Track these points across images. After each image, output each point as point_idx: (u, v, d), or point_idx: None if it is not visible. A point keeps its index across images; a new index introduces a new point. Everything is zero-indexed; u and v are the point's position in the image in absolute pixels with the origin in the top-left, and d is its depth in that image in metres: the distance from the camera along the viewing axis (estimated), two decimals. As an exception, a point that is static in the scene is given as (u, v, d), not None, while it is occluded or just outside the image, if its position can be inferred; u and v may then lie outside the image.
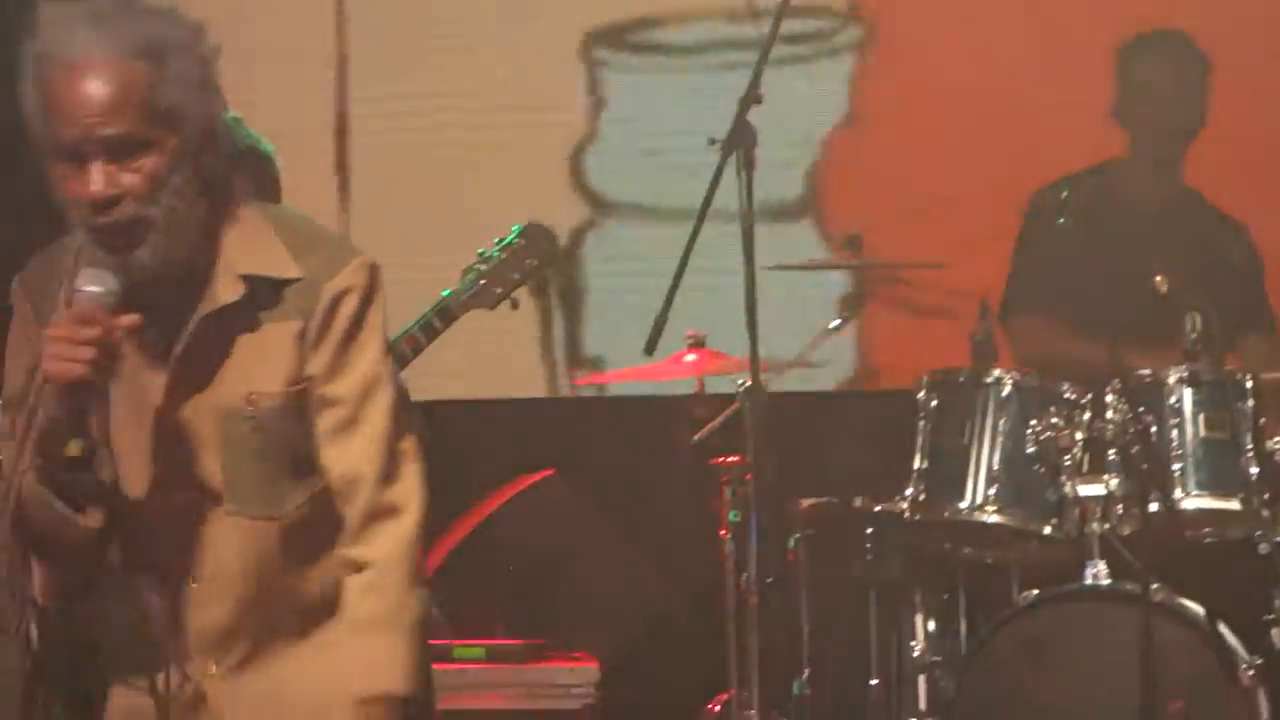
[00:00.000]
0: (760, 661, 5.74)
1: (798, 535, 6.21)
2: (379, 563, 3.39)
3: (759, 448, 5.70)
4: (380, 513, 3.42)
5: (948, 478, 5.69)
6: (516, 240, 5.39)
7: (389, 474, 3.40)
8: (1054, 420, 5.52)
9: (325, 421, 3.40)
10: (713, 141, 5.40)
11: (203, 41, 3.33)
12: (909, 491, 5.71)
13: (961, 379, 5.77)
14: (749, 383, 5.52)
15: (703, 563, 6.63)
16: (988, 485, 5.59)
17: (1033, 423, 5.56)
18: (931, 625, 5.99)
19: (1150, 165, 6.54)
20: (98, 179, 3.14)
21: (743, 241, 5.26)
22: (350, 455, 3.42)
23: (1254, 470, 5.52)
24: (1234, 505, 5.50)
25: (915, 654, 5.94)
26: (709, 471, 6.31)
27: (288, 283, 3.37)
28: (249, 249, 3.36)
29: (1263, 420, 5.66)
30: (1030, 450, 5.56)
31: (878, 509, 6.02)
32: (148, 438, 3.36)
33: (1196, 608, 5.33)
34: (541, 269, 5.65)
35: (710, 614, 6.57)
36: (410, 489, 3.43)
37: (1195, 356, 5.61)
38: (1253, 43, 7.20)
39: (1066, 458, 5.49)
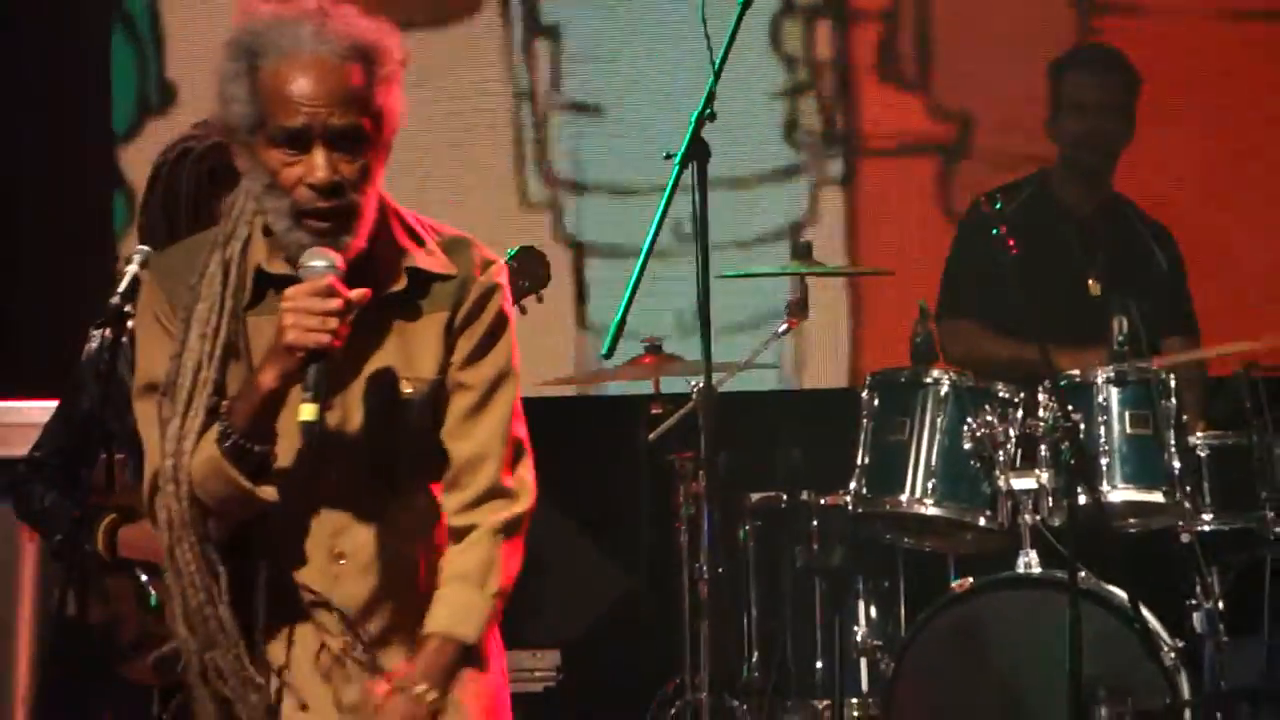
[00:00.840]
0: (711, 646, 5.77)
1: (747, 527, 6.34)
2: (486, 530, 3.48)
3: (711, 445, 5.58)
4: (496, 494, 3.50)
5: (889, 472, 5.78)
6: (510, 263, 5.38)
7: (509, 460, 3.50)
8: (989, 418, 5.62)
9: (457, 403, 3.50)
10: (668, 156, 5.57)
11: (401, 48, 3.44)
12: (852, 485, 5.80)
13: (902, 379, 5.89)
14: (702, 384, 5.51)
15: (658, 553, 6.75)
16: (926, 479, 5.68)
17: (969, 420, 5.65)
18: (873, 611, 6.09)
19: (1080, 175, 6.59)
20: (323, 165, 3.24)
21: (697, 251, 5.37)
22: (478, 437, 3.50)
23: (1176, 464, 5.65)
24: (1157, 497, 5.65)
25: (857, 638, 6.05)
26: (665, 468, 6.45)
27: (443, 278, 3.46)
28: (411, 243, 3.47)
29: (1185, 417, 5.78)
30: (966, 446, 5.65)
31: (823, 502, 6.12)
32: (310, 420, 3.41)
33: (1121, 593, 5.46)
34: (533, 291, 5.68)
35: (665, 602, 6.65)
36: (525, 481, 3.52)
37: (1122, 357, 5.75)
38: (1178, 61, 7.14)
39: (1000, 453, 5.59)
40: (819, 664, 6.22)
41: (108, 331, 4.34)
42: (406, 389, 3.42)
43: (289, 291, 3.27)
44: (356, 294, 3.25)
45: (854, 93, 7.79)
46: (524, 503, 3.49)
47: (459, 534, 3.50)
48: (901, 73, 7.79)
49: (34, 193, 7.63)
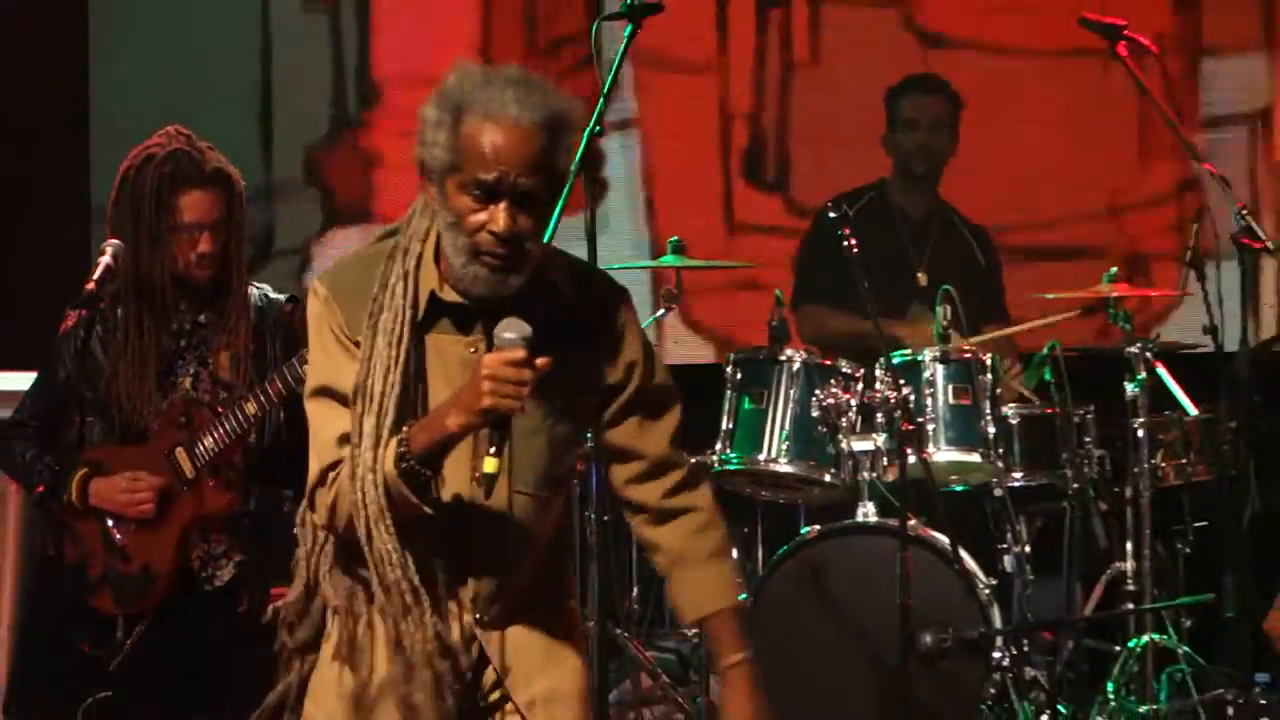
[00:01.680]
0: (599, 583, 5.84)
1: None
2: (707, 509, 3.59)
3: None
4: (698, 477, 3.60)
5: (749, 436, 5.84)
6: None
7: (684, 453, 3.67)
8: (834, 390, 5.71)
9: (637, 411, 3.58)
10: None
11: (580, 117, 3.51)
12: (718, 446, 5.89)
13: (761, 356, 5.93)
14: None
15: None
16: (780, 441, 5.79)
17: (817, 392, 5.73)
18: (734, 553, 6.04)
19: (911, 183, 6.66)
20: (505, 219, 3.27)
21: (587, 245, 5.50)
22: (662, 439, 3.57)
23: (991, 430, 5.78)
24: (975, 458, 5.80)
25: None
26: None
27: (582, 307, 3.52)
28: (551, 277, 3.50)
29: (999, 390, 5.88)
30: (814, 414, 5.73)
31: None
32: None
33: (944, 539, 5.58)
34: None
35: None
36: (697, 469, 3.67)
37: (946, 339, 5.85)
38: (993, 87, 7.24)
39: (843, 420, 5.68)
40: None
41: (83, 312, 4.38)
42: (556, 403, 3.53)
43: (487, 359, 3.31)
44: (542, 363, 3.27)
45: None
46: (708, 484, 3.61)
47: (669, 514, 3.60)
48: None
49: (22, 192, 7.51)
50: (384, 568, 3.38)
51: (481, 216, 3.28)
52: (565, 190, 3.50)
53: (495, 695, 3.55)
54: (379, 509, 3.36)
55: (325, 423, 3.46)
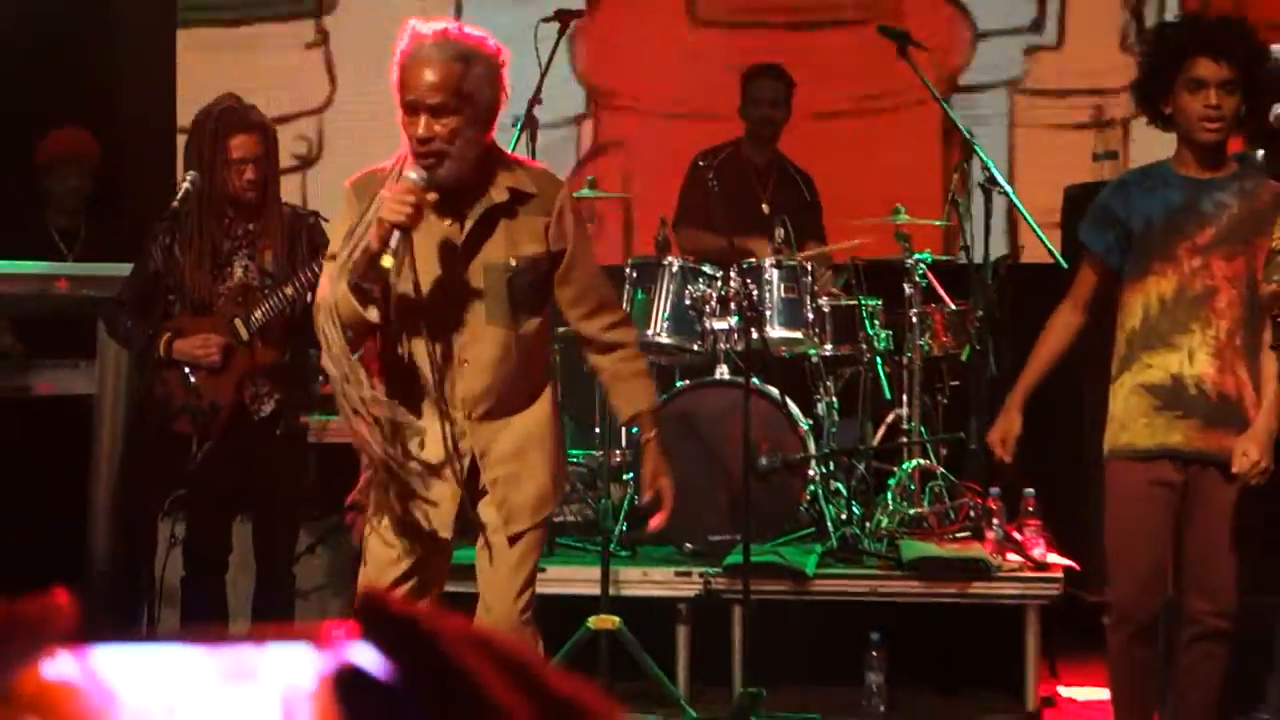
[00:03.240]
0: None
1: (558, 346, 6.11)
2: (633, 344, 4.07)
3: None
4: (626, 322, 4.11)
5: (642, 316, 6.04)
6: None
7: (614, 298, 4.05)
8: (701, 286, 5.99)
9: (574, 269, 3.90)
10: (514, 122, 5.92)
11: (498, 57, 3.77)
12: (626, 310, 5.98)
13: (650, 261, 6.17)
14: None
15: None
16: (663, 321, 6.06)
17: (689, 287, 6.02)
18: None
19: (758, 142, 6.83)
20: (423, 126, 3.62)
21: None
22: (599, 293, 3.98)
23: (810, 315, 6.05)
24: (798, 335, 6.06)
25: (620, 423, 6.18)
26: None
27: (530, 196, 3.81)
28: (510, 175, 3.79)
29: (816, 286, 6.13)
30: (687, 303, 6.02)
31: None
32: (448, 278, 3.79)
33: (775, 391, 5.89)
34: None
35: None
36: (618, 304, 4.04)
37: (780, 251, 6.11)
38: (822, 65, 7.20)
39: (707, 306, 5.96)
40: (596, 430, 6.28)
41: (167, 222, 4.77)
42: (511, 261, 3.81)
43: (387, 187, 3.70)
44: (430, 197, 3.66)
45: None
46: (633, 325, 4.05)
47: (609, 346, 4.03)
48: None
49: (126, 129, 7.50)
50: (337, 367, 3.70)
51: (413, 128, 3.65)
52: (494, 111, 3.77)
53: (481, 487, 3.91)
54: (335, 328, 3.68)
55: (326, 274, 3.80)
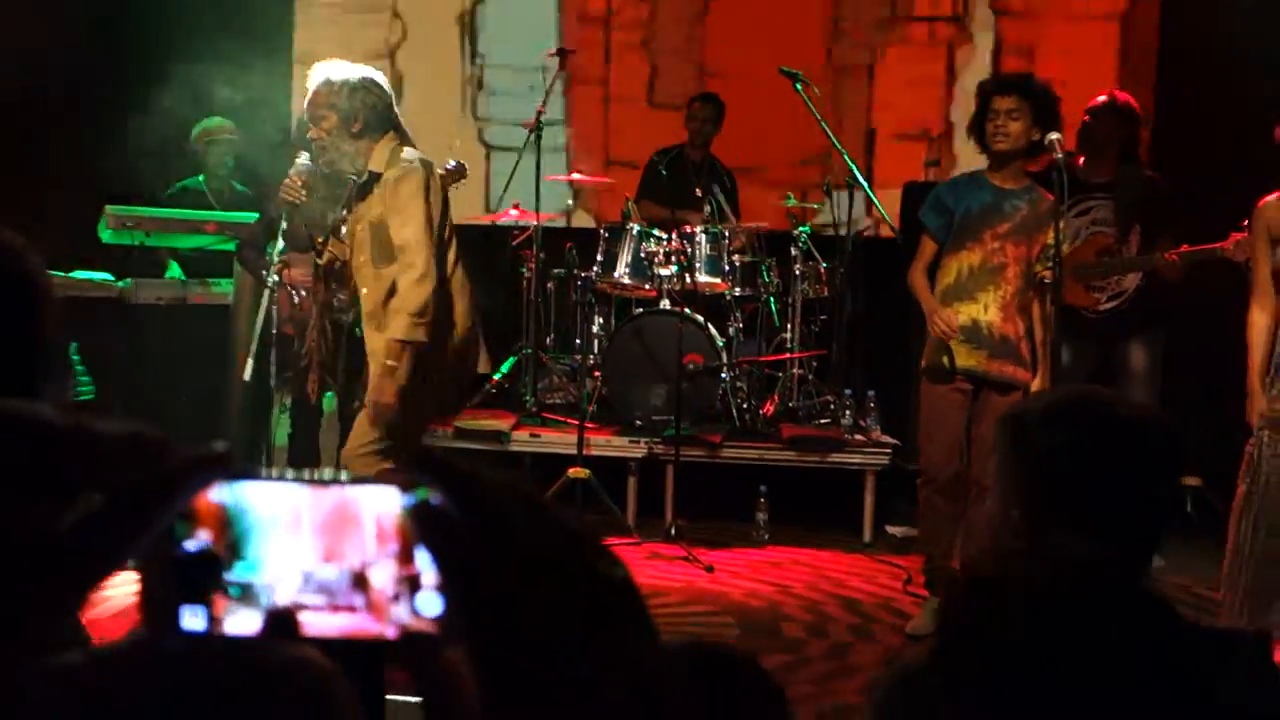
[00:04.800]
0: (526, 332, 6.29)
1: (548, 285, 6.52)
2: (406, 289, 3.75)
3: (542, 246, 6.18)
4: (415, 280, 3.75)
5: (608, 264, 6.18)
6: (456, 164, 5.33)
7: (418, 261, 3.72)
8: (652, 244, 6.03)
9: (395, 232, 3.77)
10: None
11: (351, 81, 3.66)
12: (594, 270, 6.24)
13: (617, 226, 6.21)
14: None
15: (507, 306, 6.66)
16: (625, 268, 6.13)
17: (644, 244, 6.03)
18: (598, 323, 6.43)
19: (695, 146, 6.68)
20: (311, 130, 3.67)
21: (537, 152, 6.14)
22: (406, 245, 3.76)
23: (726, 267, 6.10)
24: (717, 280, 6.09)
25: (594, 329, 6.39)
26: (516, 259, 6.61)
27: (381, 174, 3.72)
28: (378, 160, 3.72)
29: (732, 249, 6.10)
30: (642, 256, 6.04)
31: (588, 274, 6.35)
32: (350, 235, 3.85)
33: (700, 318, 5.90)
34: (461, 177, 5.40)
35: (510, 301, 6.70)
36: (417, 265, 3.69)
37: (708, 222, 6.16)
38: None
39: (656, 258, 6.01)
40: (578, 340, 6.41)
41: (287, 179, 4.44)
42: (372, 224, 3.76)
43: (289, 174, 3.78)
44: (308, 183, 3.72)
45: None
46: (417, 269, 3.68)
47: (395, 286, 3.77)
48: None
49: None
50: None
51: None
52: (361, 118, 3.64)
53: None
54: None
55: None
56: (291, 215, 3.77)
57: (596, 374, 6.16)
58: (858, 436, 5.96)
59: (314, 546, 0.59)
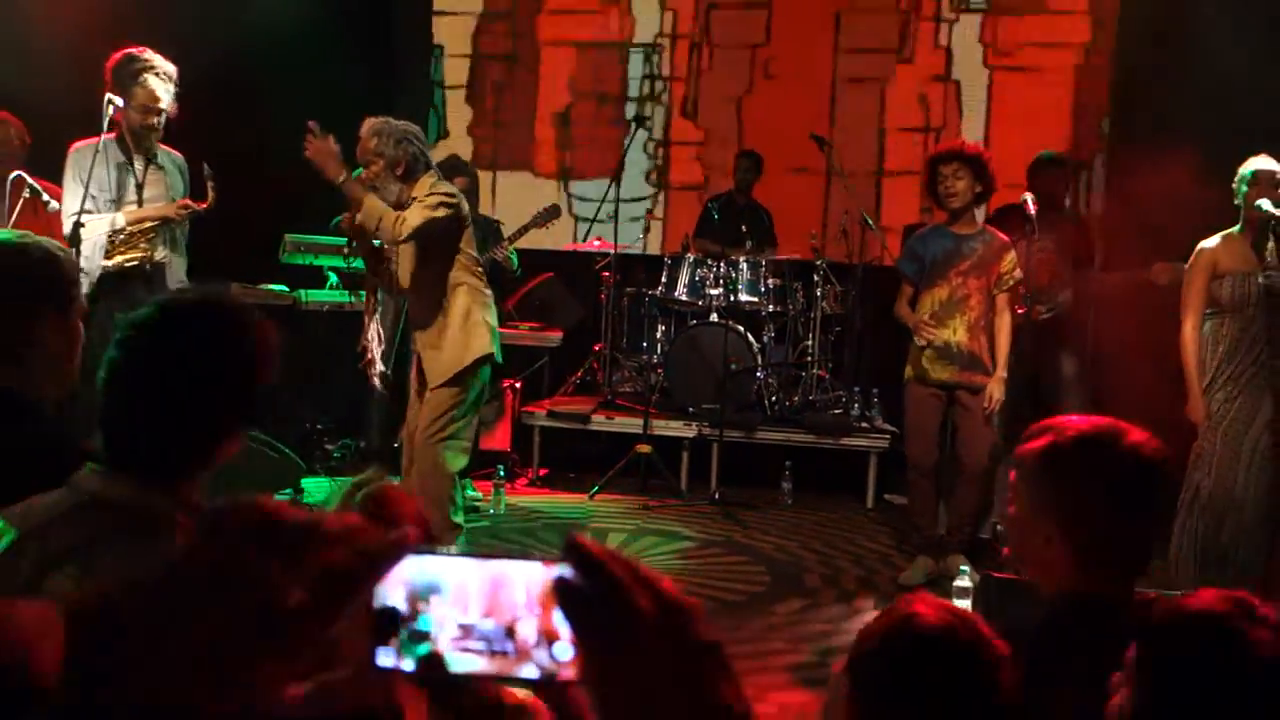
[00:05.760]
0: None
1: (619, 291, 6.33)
2: (399, 219, 3.55)
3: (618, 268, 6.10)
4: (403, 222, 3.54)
5: (672, 284, 6.23)
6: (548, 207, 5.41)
7: (412, 221, 3.52)
8: (706, 271, 6.17)
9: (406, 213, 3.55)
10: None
11: (396, 133, 3.59)
12: (660, 288, 6.24)
13: (679, 255, 6.26)
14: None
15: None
16: (683, 287, 6.24)
17: (698, 270, 6.20)
18: (660, 330, 6.45)
19: (741, 192, 6.42)
20: (364, 172, 3.55)
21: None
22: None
23: (762, 288, 6.07)
24: (755, 299, 5.97)
25: (658, 336, 6.39)
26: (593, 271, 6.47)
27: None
28: (420, 192, 3.64)
29: (766, 273, 6.12)
30: (697, 279, 6.19)
31: (651, 292, 6.35)
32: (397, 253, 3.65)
33: (740, 328, 5.95)
34: (553, 217, 5.51)
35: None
36: (409, 222, 3.51)
37: (748, 253, 6.21)
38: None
39: (709, 280, 6.11)
40: (644, 343, 6.48)
41: None
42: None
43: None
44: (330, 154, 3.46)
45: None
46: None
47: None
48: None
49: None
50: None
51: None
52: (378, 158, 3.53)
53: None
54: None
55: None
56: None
57: (659, 370, 6.19)
58: (864, 424, 6.02)
59: (477, 605, 0.60)
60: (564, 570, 0.58)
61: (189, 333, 1.32)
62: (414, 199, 3.52)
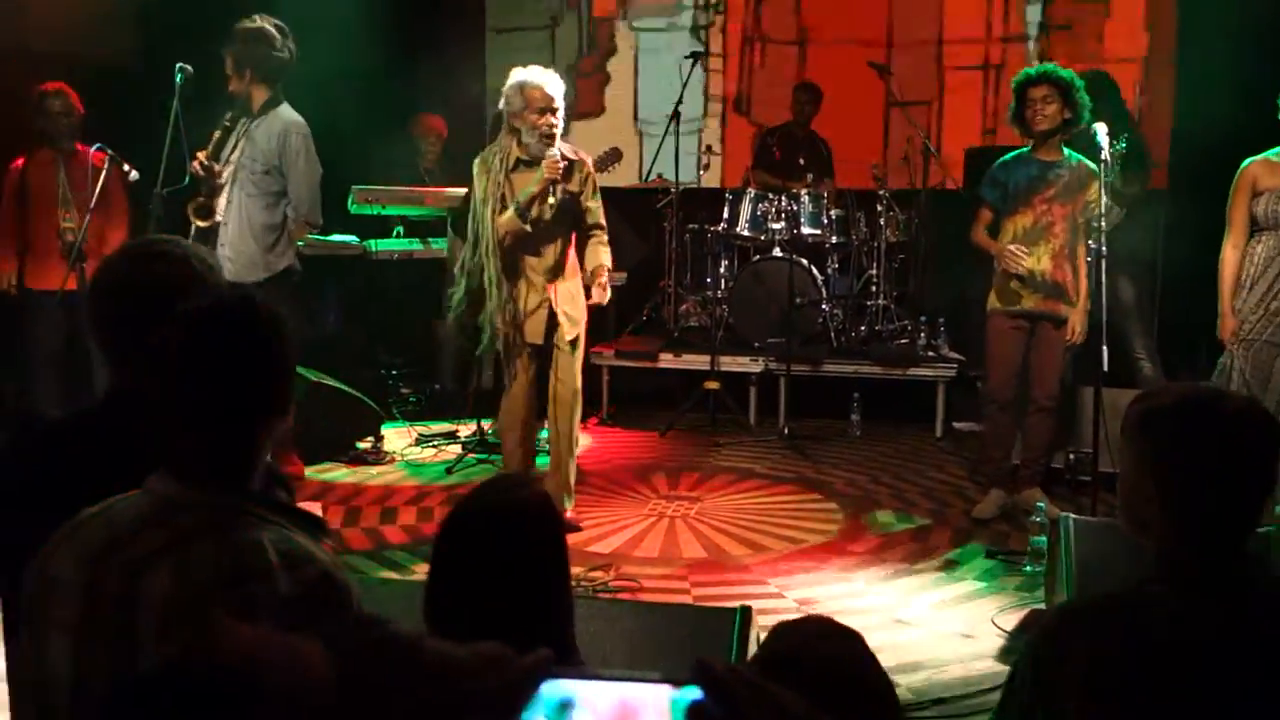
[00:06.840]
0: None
1: (687, 237, 6.30)
2: (605, 233, 3.89)
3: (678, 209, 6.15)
4: (603, 228, 3.93)
5: (734, 220, 6.15)
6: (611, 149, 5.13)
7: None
8: (767, 204, 6.07)
9: (588, 206, 3.84)
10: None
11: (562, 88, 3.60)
12: (722, 224, 6.19)
13: (739, 190, 6.23)
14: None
15: (649, 251, 6.59)
16: (745, 222, 6.15)
17: (760, 204, 6.10)
18: (723, 264, 6.35)
19: (799, 124, 6.38)
20: (550, 122, 3.66)
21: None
22: (598, 215, 3.89)
23: (824, 220, 6.09)
24: (818, 231, 6.10)
25: (721, 271, 6.32)
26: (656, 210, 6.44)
27: (573, 162, 3.81)
28: (570, 149, 3.75)
29: (827, 204, 5.99)
30: (759, 212, 6.09)
31: (714, 228, 6.25)
32: (552, 207, 3.78)
33: (803, 261, 5.93)
34: (618, 159, 5.22)
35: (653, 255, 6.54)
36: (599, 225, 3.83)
37: (808, 185, 6.15)
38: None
39: (771, 214, 6.02)
40: (708, 279, 6.36)
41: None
42: (561, 199, 3.78)
43: (548, 159, 3.66)
44: (564, 162, 3.72)
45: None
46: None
47: (591, 230, 3.88)
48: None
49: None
50: (493, 260, 3.69)
51: (543, 122, 3.63)
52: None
53: (556, 316, 3.79)
54: (494, 240, 3.64)
55: (476, 213, 3.64)
56: (551, 192, 3.76)
57: (724, 306, 6.14)
58: (930, 353, 5.94)
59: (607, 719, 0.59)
60: (693, 693, 0.59)
61: (223, 343, 1.31)
62: (572, 160, 3.66)
